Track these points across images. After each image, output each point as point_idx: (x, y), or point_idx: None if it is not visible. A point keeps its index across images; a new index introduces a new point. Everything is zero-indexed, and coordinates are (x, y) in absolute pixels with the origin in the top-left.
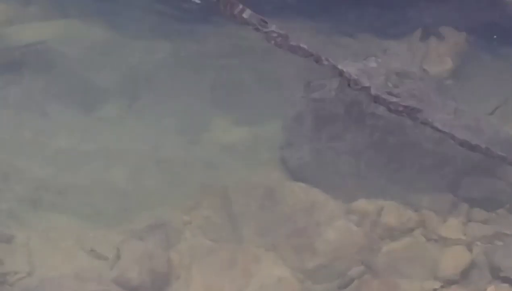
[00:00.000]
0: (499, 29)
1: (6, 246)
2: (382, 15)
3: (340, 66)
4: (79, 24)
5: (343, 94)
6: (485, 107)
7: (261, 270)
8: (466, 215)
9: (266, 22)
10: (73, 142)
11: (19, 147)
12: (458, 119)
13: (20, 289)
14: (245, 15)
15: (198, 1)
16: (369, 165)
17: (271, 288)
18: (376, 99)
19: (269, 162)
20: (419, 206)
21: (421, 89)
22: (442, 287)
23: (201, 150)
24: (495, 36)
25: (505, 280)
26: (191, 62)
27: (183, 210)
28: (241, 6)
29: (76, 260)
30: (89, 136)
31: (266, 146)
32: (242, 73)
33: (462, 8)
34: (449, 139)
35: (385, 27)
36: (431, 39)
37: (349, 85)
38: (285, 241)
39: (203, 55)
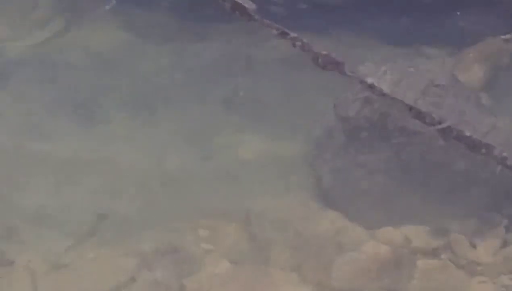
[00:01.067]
0: None
1: (5, 269)
2: (412, 23)
3: (369, 79)
4: (83, 30)
5: (373, 109)
6: None
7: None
8: (499, 241)
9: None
10: (76, 157)
11: (19, 162)
12: (495, 135)
13: None
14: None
15: None
16: (398, 185)
17: None
18: (409, 113)
19: (292, 181)
20: (449, 230)
21: (456, 102)
22: None
23: (217, 166)
24: None
25: None
26: (207, 71)
27: (200, 234)
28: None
29: (79, 286)
30: (93, 150)
31: (289, 165)
32: (263, 84)
33: (498, 17)
34: (485, 157)
35: (416, 36)
36: (465, 49)
37: (378, 99)
38: (308, 266)
39: (220, 63)
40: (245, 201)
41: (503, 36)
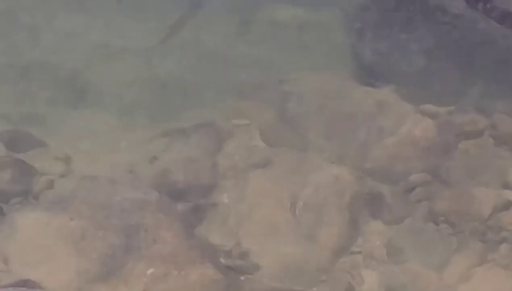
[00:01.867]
0: None
1: (39, 148)
2: None
3: None
4: None
5: None
6: None
7: (319, 171)
8: None
9: None
10: (110, 34)
11: (54, 41)
12: None
13: (51, 194)
14: None
15: None
16: (441, 64)
17: (329, 187)
18: None
19: (331, 54)
20: (493, 110)
21: None
22: None
23: (253, 38)
24: None
25: None
26: None
27: (235, 109)
28: None
29: (112, 162)
30: (126, 27)
31: (328, 36)
32: None
33: None
34: None
35: None
36: None
37: None
38: (347, 142)
39: None
40: (282, 75)
41: None
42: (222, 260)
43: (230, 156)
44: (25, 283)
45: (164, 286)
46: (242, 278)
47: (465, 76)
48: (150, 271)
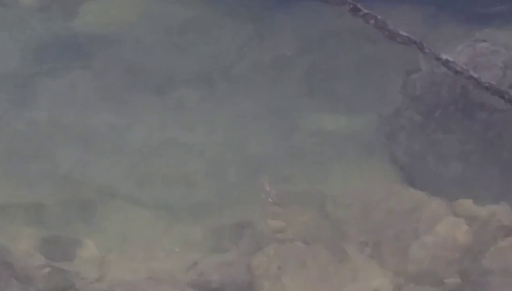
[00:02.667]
0: None
1: (75, 249)
2: None
3: (444, 56)
4: (154, 6)
5: (448, 86)
6: None
7: (357, 277)
8: None
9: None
10: (149, 134)
11: (91, 140)
12: None
13: None
14: None
15: None
16: (479, 164)
17: None
18: (488, 90)
19: (367, 158)
20: None
21: None
22: None
23: (291, 144)
24: None
25: None
26: (279, 48)
27: (272, 213)
28: None
29: (150, 262)
30: (165, 127)
31: (364, 141)
32: (335, 60)
33: None
34: None
35: (496, 11)
36: None
37: (455, 75)
38: (385, 246)
39: (293, 40)
40: (320, 181)
41: None
42: None
43: (267, 257)
44: None
45: None
46: None
47: (506, 177)
48: None
